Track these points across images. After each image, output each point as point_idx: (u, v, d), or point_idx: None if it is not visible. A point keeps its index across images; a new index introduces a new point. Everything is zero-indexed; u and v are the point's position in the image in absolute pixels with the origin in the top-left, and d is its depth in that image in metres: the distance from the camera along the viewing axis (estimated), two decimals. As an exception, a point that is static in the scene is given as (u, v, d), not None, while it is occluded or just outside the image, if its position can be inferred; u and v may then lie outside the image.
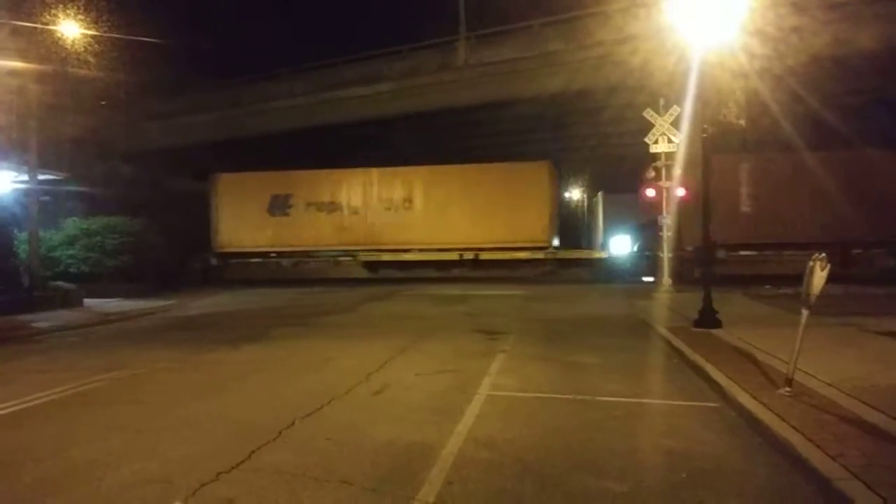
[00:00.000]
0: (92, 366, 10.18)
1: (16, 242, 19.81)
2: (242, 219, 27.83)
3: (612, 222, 32.14)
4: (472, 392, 7.91)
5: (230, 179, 28.20)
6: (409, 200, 26.79)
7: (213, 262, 28.03)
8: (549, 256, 26.22)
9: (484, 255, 26.45)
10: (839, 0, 19.63)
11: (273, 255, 28.12)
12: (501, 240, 26.14)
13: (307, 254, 27.92)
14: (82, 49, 18.76)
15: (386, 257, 27.07)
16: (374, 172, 27.52)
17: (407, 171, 27.46)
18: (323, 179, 27.85)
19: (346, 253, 27.44)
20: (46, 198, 23.17)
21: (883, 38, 19.79)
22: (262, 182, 27.97)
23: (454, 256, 26.34)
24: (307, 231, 27.37)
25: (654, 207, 20.29)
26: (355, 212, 27.29)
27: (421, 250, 26.66)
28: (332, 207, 27.39)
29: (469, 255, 26.49)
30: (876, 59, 20.99)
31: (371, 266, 27.40)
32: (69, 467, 5.57)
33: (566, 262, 27.05)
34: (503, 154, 32.67)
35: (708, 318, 11.93)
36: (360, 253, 27.11)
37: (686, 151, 18.66)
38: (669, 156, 19.27)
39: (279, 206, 27.52)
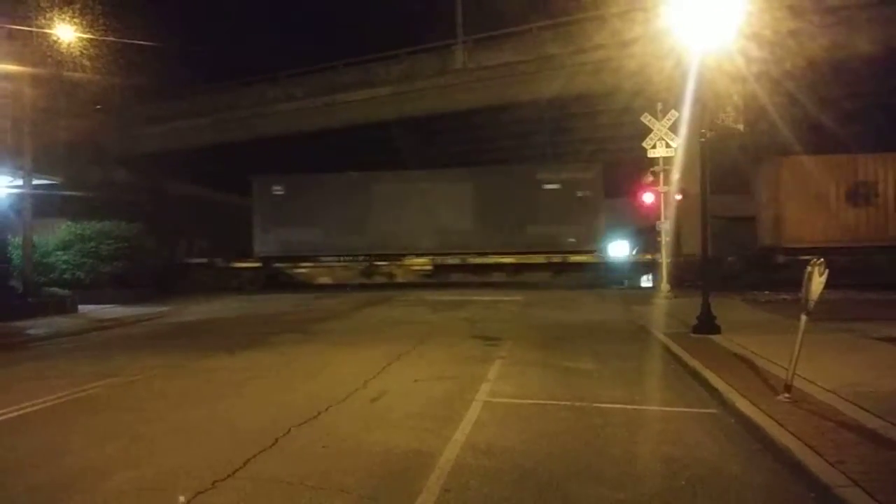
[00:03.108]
0: (87, 372, 10.13)
1: (9, 248, 19.69)
2: (810, 209, 23.30)
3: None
4: (469, 398, 7.86)
5: (796, 164, 23.42)
6: None
7: (781, 259, 23.50)
8: None
9: None
10: (836, 4, 19.68)
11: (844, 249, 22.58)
12: None
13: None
14: (77, 52, 18.66)
15: None
16: None
17: None
18: None
19: None
20: None
21: (880, 43, 19.82)
22: (836, 167, 23.14)
23: None
24: None
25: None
26: None
27: None
28: None
29: None
30: (873, 63, 21.03)
31: None
32: (64, 475, 5.52)
33: None
34: (504, 157, 32.69)
35: (707, 324, 11.89)
36: None
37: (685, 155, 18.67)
38: (668, 160, 19.24)
39: (862, 194, 22.91)
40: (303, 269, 28.05)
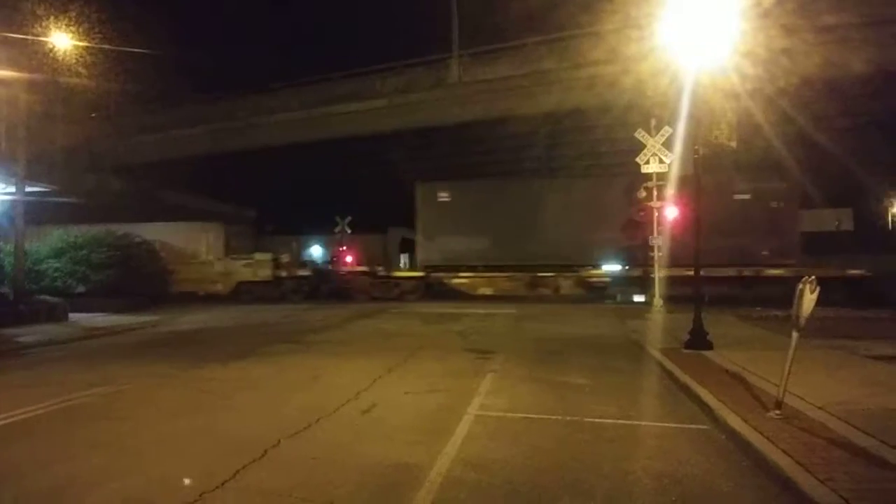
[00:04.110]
0: (77, 381, 10.06)
1: (1, 255, 19.57)
2: None
3: None
4: (461, 412, 7.83)
5: None
6: None
7: None
8: None
9: None
10: (830, 24, 19.83)
11: None
12: None
13: None
14: (74, 60, 18.69)
15: None
16: None
17: None
18: None
19: None
20: None
21: (874, 62, 20.00)
22: None
23: None
24: None
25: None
26: None
27: None
28: None
29: None
30: (867, 82, 21.20)
31: None
32: (51, 485, 5.48)
33: None
34: (501, 171, 32.73)
35: (699, 340, 11.90)
36: None
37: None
38: (661, 176, 19.29)
39: None
40: (463, 280, 27.14)
